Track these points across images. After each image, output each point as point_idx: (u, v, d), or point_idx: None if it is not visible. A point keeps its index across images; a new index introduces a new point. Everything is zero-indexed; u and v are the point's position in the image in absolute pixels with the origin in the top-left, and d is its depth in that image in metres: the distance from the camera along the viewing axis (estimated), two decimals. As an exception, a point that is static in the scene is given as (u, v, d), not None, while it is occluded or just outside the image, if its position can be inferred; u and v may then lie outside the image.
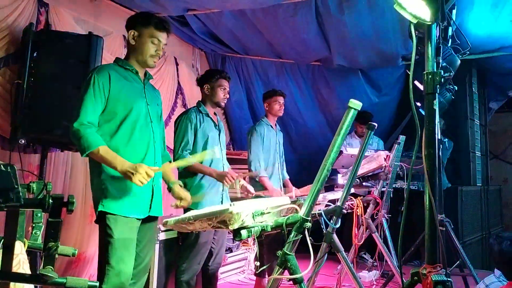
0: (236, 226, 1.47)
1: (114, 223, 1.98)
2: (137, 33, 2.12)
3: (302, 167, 5.29)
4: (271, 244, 3.45)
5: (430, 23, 1.46)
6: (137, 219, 2.08)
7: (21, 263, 1.61)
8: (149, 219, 2.16)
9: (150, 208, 2.14)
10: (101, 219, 2.01)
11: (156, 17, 2.18)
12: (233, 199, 3.06)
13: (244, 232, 1.51)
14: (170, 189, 2.30)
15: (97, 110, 2.01)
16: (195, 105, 3.04)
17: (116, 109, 2.05)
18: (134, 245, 2.05)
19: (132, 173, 1.90)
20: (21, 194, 1.04)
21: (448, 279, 1.40)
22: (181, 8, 3.86)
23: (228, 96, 3.04)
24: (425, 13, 1.42)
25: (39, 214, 1.84)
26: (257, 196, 3.50)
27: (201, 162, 2.81)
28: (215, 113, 3.07)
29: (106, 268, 1.95)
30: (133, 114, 2.09)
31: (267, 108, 3.75)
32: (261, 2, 3.77)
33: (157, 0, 3.55)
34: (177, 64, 4.65)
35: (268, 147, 3.67)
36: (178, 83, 4.63)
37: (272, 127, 3.75)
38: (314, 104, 5.47)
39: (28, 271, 1.67)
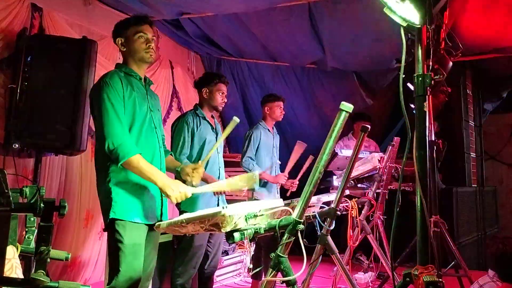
0: (228, 228, 1.47)
1: (123, 229, 1.96)
2: (123, 38, 2.13)
3: (298, 168, 5.29)
4: (269, 246, 3.45)
5: (419, 26, 1.47)
6: (146, 225, 2.06)
7: (13, 268, 1.61)
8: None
9: (162, 214, 2.14)
10: (110, 225, 1.99)
11: (133, 16, 2.20)
12: (230, 202, 3.06)
13: (236, 235, 1.51)
14: (178, 173, 2.27)
15: (122, 114, 2.00)
16: (192, 108, 3.04)
17: (126, 114, 2.04)
18: (143, 250, 2.03)
19: (173, 190, 1.94)
20: (11, 198, 1.04)
21: (440, 279, 1.41)
22: (176, 12, 3.87)
23: (225, 100, 3.05)
24: (414, 16, 1.44)
25: (31, 219, 1.83)
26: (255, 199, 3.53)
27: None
28: (212, 116, 3.08)
29: (116, 274, 1.93)
30: (139, 120, 2.09)
31: (267, 112, 3.75)
32: (256, 5, 3.79)
33: (152, 4, 3.57)
34: (172, 68, 4.66)
35: (265, 151, 3.68)
36: (174, 86, 4.64)
37: (269, 130, 3.76)
38: (309, 106, 5.49)
39: (21, 276, 1.66)
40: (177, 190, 1.95)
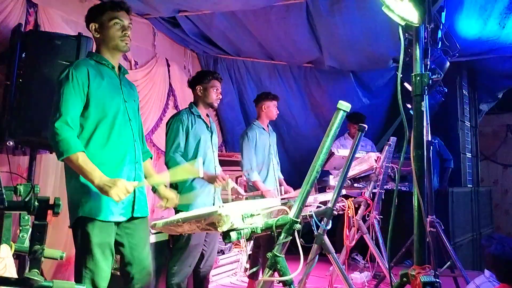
0: (225, 228, 1.46)
1: (91, 227, 1.91)
2: (97, 24, 2.03)
3: (294, 168, 5.30)
4: (268, 246, 3.43)
5: (417, 25, 1.47)
6: (116, 222, 2.00)
7: (7, 267, 1.59)
8: (135, 219, 2.08)
9: (133, 210, 2.05)
10: (78, 223, 1.93)
11: (109, 1, 2.08)
12: (226, 201, 3.05)
13: (233, 234, 1.50)
14: (154, 190, 2.22)
15: (78, 109, 1.90)
16: (187, 106, 3.03)
17: (94, 107, 1.95)
18: (111, 248, 1.97)
19: (110, 187, 1.80)
20: (4, 196, 1.02)
21: (437, 280, 1.40)
22: (172, 9, 3.85)
23: (220, 96, 3.04)
24: (413, 15, 1.43)
25: (26, 217, 1.81)
26: (250, 198, 3.52)
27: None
28: (207, 115, 3.07)
29: (84, 272, 1.89)
30: (112, 112, 2.00)
31: (264, 110, 3.73)
32: (253, 3, 3.78)
33: (147, 1, 3.54)
34: (168, 66, 4.64)
35: (262, 150, 3.67)
36: (170, 84, 4.62)
37: (264, 129, 3.76)
38: (306, 105, 5.49)
39: (15, 275, 1.65)
40: (115, 187, 1.80)
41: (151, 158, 2.33)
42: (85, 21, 2.09)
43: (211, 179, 2.81)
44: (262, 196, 3.54)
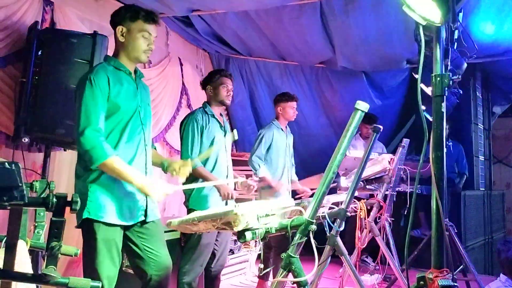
0: (240, 227, 1.46)
1: (97, 227, 1.92)
2: (125, 29, 2.00)
3: (304, 168, 5.27)
4: (280, 247, 3.42)
5: (439, 24, 1.44)
6: (125, 226, 2.01)
7: (23, 263, 1.60)
8: (147, 223, 2.09)
9: (146, 215, 2.07)
10: (84, 225, 1.95)
11: (144, 10, 2.06)
12: (238, 202, 3.05)
13: (248, 234, 1.50)
14: (165, 168, 2.22)
15: (102, 116, 1.92)
16: (201, 106, 3.03)
17: (111, 114, 1.97)
18: (117, 248, 1.98)
19: (149, 189, 1.92)
20: (25, 192, 1.02)
21: (455, 283, 1.38)
22: (186, 8, 3.85)
23: (231, 93, 3.03)
24: (435, 15, 1.41)
25: (42, 213, 1.83)
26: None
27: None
28: (220, 114, 3.07)
29: (89, 271, 1.91)
30: (126, 117, 2.01)
31: (280, 112, 3.73)
32: (267, 3, 3.76)
33: (162, 0, 3.55)
34: (181, 65, 4.65)
35: (278, 150, 3.66)
36: (183, 83, 4.63)
37: (282, 130, 3.75)
38: (317, 106, 5.46)
39: (30, 271, 1.66)
40: (157, 189, 1.94)
41: (155, 149, 2.35)
42: (112, 20, 2.05)
43: (219, 189, 2.83)
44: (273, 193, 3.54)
